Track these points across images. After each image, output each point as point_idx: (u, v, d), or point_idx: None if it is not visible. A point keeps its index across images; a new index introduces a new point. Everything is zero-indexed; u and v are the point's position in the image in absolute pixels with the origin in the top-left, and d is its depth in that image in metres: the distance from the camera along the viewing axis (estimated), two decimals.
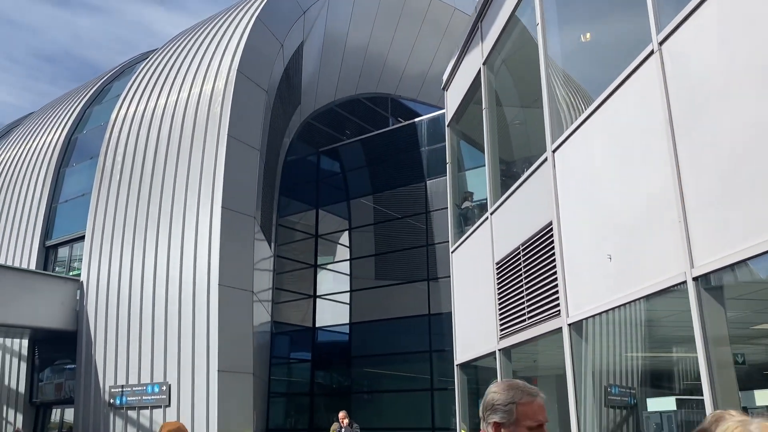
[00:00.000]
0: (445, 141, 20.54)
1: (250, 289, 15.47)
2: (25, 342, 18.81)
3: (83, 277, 17.62)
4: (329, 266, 21.34)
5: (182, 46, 18.99)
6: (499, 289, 8.59)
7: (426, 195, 19.09)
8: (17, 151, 22.72)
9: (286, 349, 20.29)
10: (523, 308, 7.80)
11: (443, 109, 21.04)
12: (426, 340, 17.90)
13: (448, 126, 11.55)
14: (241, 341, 14.97)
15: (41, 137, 22.15)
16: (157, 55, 19.93)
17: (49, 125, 22.53)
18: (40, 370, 18.80)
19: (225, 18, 18.63)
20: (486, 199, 10.40)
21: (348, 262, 20.99)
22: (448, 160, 11.45)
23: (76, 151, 20.64)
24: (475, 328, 9.78)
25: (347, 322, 20.43)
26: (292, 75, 19.16)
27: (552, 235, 6.99)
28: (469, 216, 10.73)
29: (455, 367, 10.53)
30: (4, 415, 18.76)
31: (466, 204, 10.84)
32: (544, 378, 10.95)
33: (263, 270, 17.71)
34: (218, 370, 14.12)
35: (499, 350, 8.58)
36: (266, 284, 18.20)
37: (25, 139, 23.00)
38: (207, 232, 15.08)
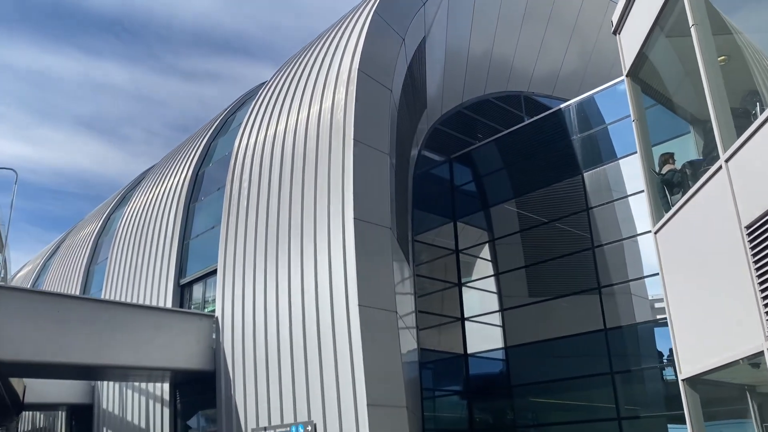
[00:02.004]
0: (593, 127, 17.94)
1: (394, 309, 13.54)
2: (167, 386, 18.06)
3: (218, 312, 16.61)
4: (474, 284, 19.00)
5: (300, 60, 17.94)
6: (757, 262, 5.96)
7: (584, 190, 16.38)
8: (148, 194, 22.74)
9: (436, 380, 18.07)
10: None
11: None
12: (604, 360, 14.96)
13: (627, 76, 9.10)
14: (390, 370, 12.98)
15: (170, 177, 21.98)
16: (275, 76, 19.07)
17: (176, 165, 22.38)
18: (183, 416, 17.93)
19: (341, 24, 17.39)
20: (706, 154, 7.83)
21: (494, 278, 18.58)
22: (633, 117, 8.95)
23: (204, 185, 20.10)
24: (713, 327, 7.09)
25: (502, 346, 17.90)
26: (417, 75, 17.45)
27: None
28: (675, 182, 8.13)
29: (680, 383, 7.83)
30: None
31: (669, 168, 8.25)
32: None
33: (405, 290, 15.79)
34: (367, 405, 12.18)
35: None
36: (409, 307, 16.23)
37: (155, 183, 23.02)
38: (341, 247, 13.42)
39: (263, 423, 14.50)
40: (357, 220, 13.36)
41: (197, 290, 18.80)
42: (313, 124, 15.23)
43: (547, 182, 17.56)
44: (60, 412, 23.79)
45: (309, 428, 13.28)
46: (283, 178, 15.57)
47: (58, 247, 31.69)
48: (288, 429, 13.84)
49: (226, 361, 15.88)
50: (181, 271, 19.29)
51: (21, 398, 20.29)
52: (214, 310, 16.96)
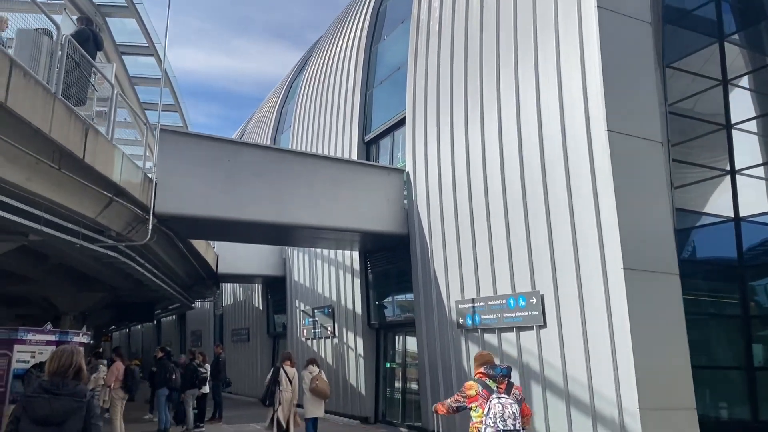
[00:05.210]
0: None
1: (659, 139, 9.39)
2: (356, 255, 15.88)
3: (408, 167, 13.69)
4: (748, 125, 13.86)
5: None
6: None
7: None
8: (328, 50, 20.09)
9: (697, 251, 13.71)
10: None
11: None
12: None
13: None
14: (654, 225, 9.05)
15: (348, 25, 19.02)
16: None
17: (354, 7, 19.33)
18: (375, 287, 15.73)
19: None
20: None
21: None
22: None
23: (387, 22, 16.83)
24: None
25: None
26: None
27: None
28: None
29: None
30: (345, 340, 16.24)
31: None
32: None
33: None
34: (623, 268, 8.49)
35: None
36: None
37: (333, 35, 20.27)
38: (576, 50, 9.39)
39: (470, 294, 11.54)
40: (602, 9, 9.16)
41: (384, 147, 16.02)
42: None
43: None
44: (256, 285, 23.35)
45: (533, 300, 10.00)
46: None
47: (246, 126, 31.15)
48: (504, 302, 10.72)
49: (422, 222, 13.03)
50: (365, 126, 16.59)
51: (214, 269, 19.68)
52: (404, 167, 14.08)
